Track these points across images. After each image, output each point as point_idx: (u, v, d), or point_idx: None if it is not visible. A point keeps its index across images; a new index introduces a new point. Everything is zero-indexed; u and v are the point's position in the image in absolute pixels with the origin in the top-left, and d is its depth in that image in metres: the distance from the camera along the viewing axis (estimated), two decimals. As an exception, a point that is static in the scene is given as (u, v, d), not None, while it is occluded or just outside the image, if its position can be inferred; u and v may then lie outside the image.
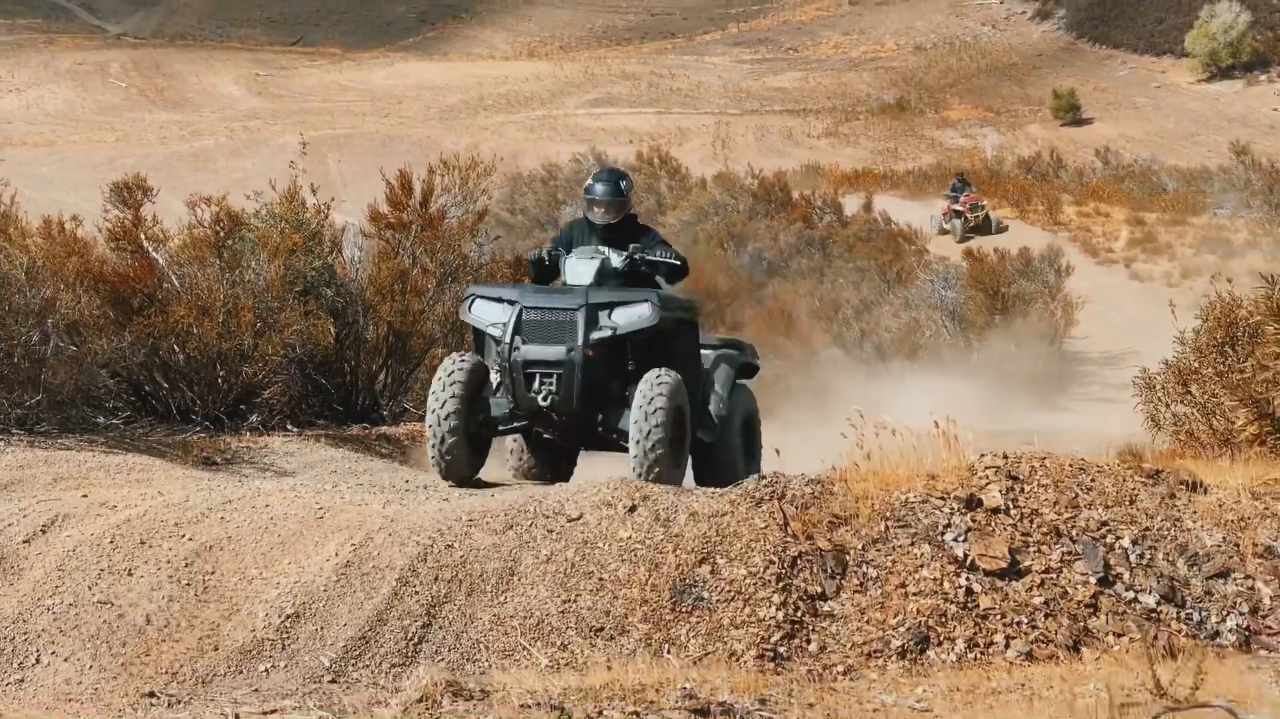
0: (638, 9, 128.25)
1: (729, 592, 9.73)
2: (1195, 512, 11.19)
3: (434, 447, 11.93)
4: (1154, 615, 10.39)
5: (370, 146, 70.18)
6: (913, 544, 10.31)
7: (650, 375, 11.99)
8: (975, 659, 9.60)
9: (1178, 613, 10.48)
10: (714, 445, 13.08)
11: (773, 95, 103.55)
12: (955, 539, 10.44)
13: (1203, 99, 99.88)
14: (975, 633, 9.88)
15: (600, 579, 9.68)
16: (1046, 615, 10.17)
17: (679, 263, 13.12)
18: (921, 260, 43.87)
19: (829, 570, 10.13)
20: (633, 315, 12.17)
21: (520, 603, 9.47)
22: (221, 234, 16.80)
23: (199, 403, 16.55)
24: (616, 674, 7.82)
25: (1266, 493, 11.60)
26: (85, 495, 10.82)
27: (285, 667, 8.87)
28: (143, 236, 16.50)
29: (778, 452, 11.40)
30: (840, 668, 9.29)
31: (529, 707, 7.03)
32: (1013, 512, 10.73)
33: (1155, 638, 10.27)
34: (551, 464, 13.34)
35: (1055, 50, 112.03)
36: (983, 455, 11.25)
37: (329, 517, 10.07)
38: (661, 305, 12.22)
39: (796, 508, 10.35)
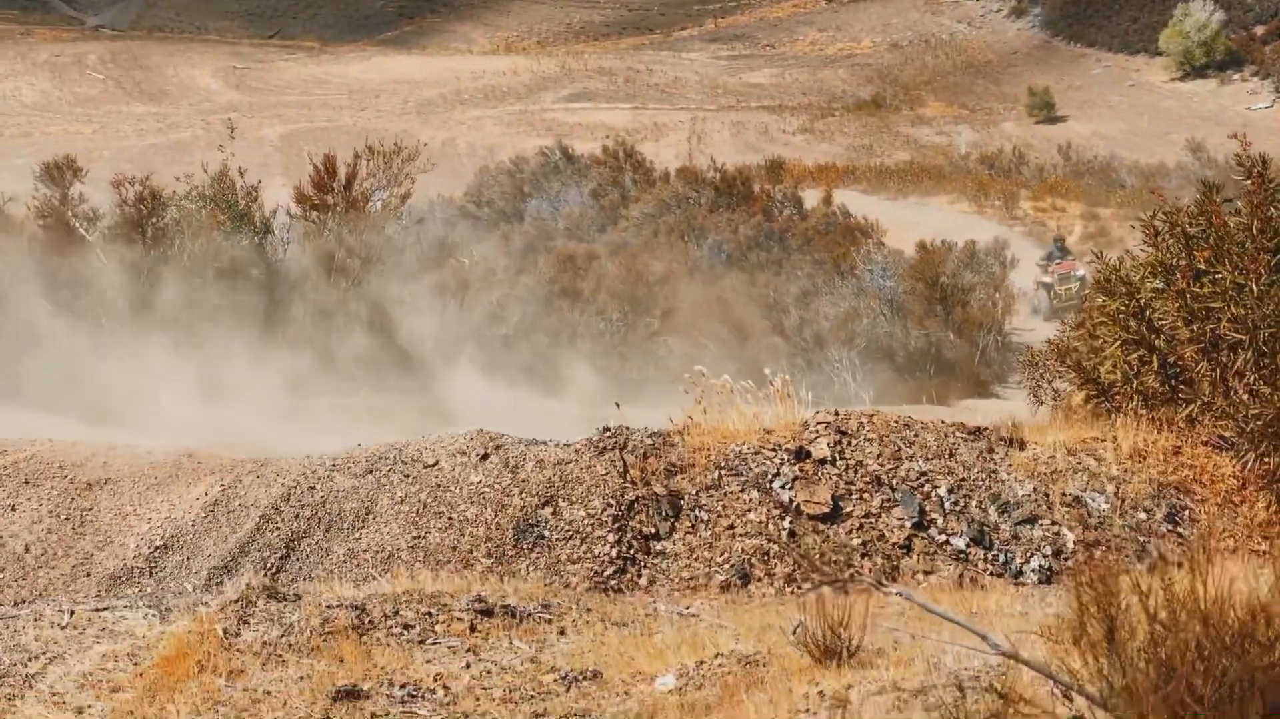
0: (615, 5, 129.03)
1: (568, 531, 10.73)
2: (1011, 465, 12.20)
3: None
4: (963, 555, 11.40)
5: (347, 140, 70.55)
6: (743, 490, 11.32)
7: None
8: (792, 593, 10.59)
9: (985, 554, 11.49)
10: None
11: (749, 91, 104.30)
12: (782, 486, 11.46)
13: (1176, 97, 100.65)
14: (794, 569, 10.88)
15: (450, 518, 10.67)
16: (863, 555, 11.18)
17: None
18: (865, 252, 44.79)
19: (663, 513, 11.14)
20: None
21: (374, 539, 10.46)
22: (145, 213, 17.70)
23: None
24: (419, 583, 8.81)
25: (1081, 449, 12.62)
26: (-19, 440, 11.79)
27: (152, 592, 9.84)
28: (70, 215, 17.39)
29: (618, 404, 12.38)
30: (667, 596, 10.28)
31: (333, 607, 8.03)
32: (839, 462, 11.72)
33: (962, 574, 11.31)
34: None
35: (1030, 48, 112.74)
36: (816, 412, 12.27)
37: (204, 461, 11.06)
38: None
39: (637, 457, 11.35)
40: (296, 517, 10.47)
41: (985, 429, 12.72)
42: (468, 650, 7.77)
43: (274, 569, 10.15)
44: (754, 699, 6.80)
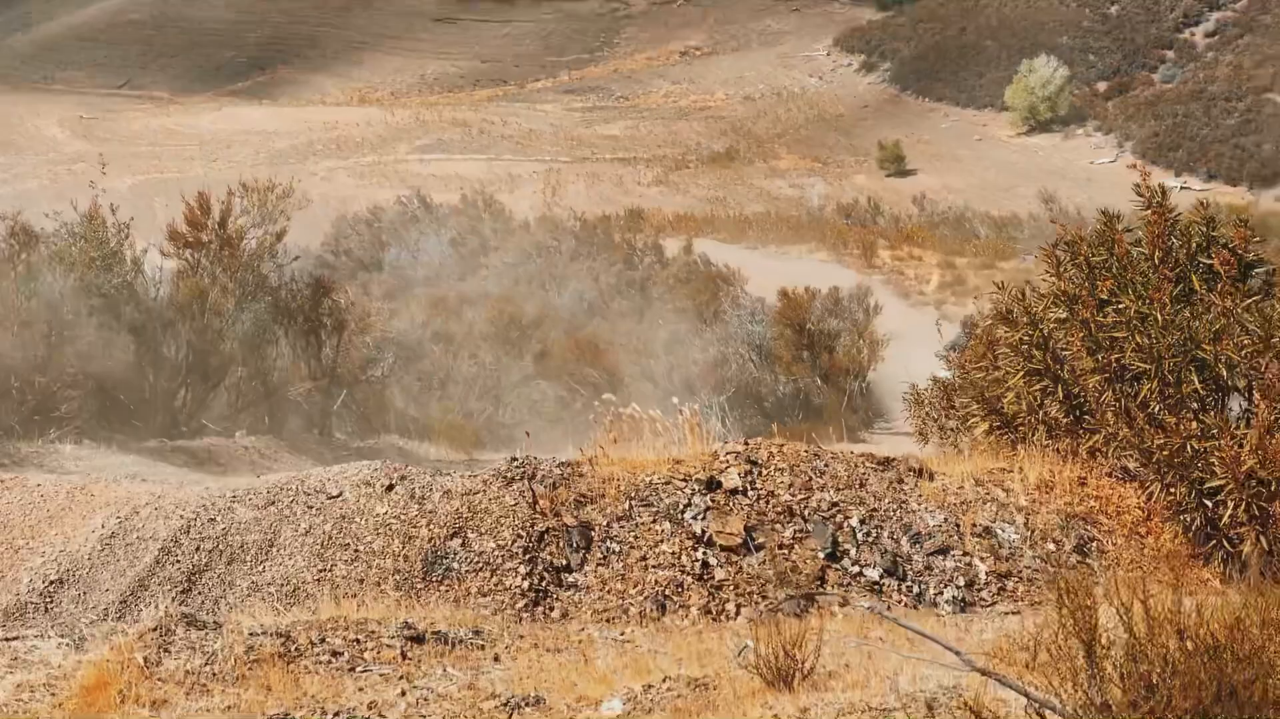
0: (469, 56, 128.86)
1: (478, 563, 10.40)
2: (921, 495, 12.07)
3: None
4: (877, 587, 11.22)
5: (195, 191, 69.81)
6: (655, 522, 11.07)
7: None
8: (709, 624, 10.35)
9: (899, 585, 11.33)
10: None
11: (604, 143, 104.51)
12: (694, 517, 11.22)
13: (1023, 151, 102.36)
14: (709, 601, 10.64)
15: (356, 550, 10.30)
16: (777, 587, 10.95)
17: None
18: (732, 299, 44.90)
19: (574, 544, 10.85)
20: None
21: (278, 572, 10.06)
22: (16, 248, 17.18)
23: (-8, 412, 16.90)
24: (343, 610, 8.46)
25: (988, 479, 12.54)
26: None
27: (64, 622, 9.37)
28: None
29: (528, 434, 12.08)
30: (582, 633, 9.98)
31: (257, 634, 7.65)
32: (750, 493, 11.51)
33: (873, 606, 11.13)
34: None
35: (880, 103, 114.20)
36: (726, 443, 12.07)
37: (97, 493, 10.60)
38: None
39: (546, 487, 11.07)
40: (197, 549, 10.06)
41: (894, 460, 12.60)
42: (400, 678, 7.43)
43: (176, 604, 9.71)
44: (707, 723, 6.55)
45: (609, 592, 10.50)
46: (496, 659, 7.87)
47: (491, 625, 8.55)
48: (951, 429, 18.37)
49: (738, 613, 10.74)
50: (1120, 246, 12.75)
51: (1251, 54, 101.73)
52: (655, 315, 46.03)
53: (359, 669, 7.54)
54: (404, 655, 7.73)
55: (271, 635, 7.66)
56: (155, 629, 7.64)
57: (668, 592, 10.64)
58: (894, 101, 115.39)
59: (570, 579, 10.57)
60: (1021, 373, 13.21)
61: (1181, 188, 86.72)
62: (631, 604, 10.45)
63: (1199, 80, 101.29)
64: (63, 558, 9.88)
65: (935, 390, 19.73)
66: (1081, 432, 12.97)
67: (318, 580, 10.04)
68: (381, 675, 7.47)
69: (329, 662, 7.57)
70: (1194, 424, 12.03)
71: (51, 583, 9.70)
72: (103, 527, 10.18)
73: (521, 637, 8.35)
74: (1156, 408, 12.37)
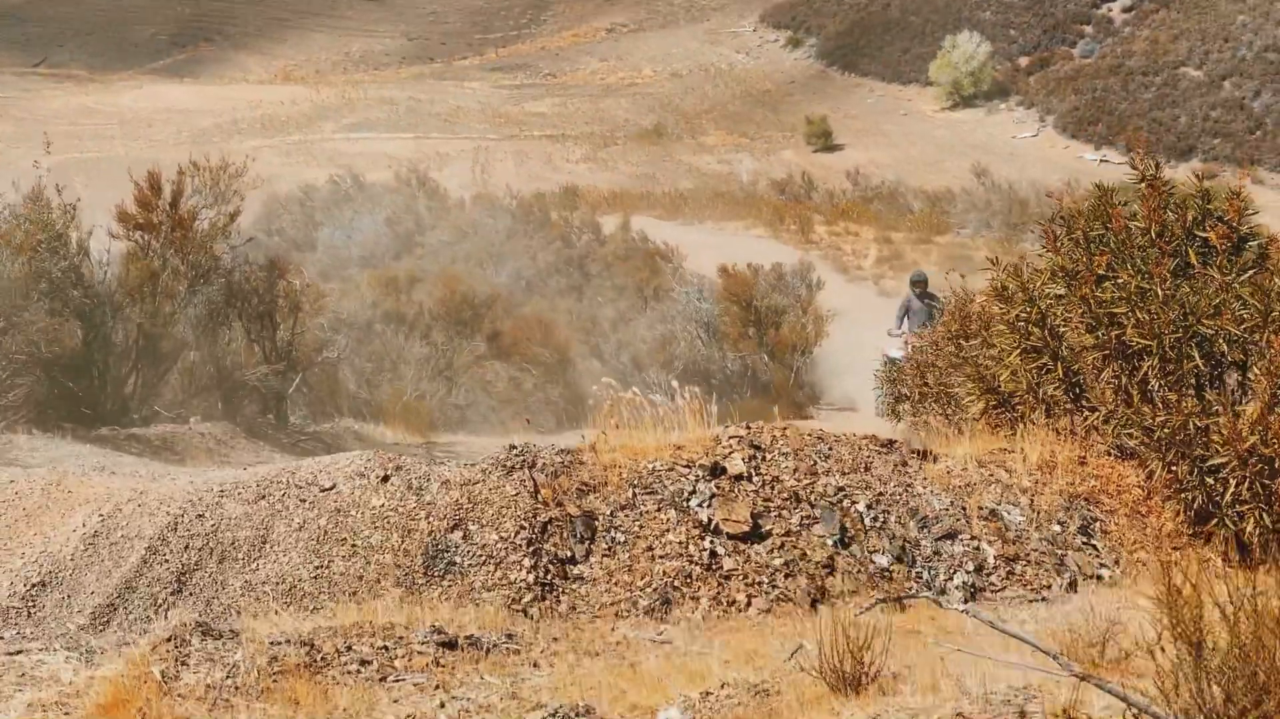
0: (394, 34, 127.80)
1: (481, 556, 9.98)
2: (926, 478, 11.75)
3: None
4: (886, 574, 10.88)
5: (119, 170, 68.59)
6: (659, 510, 10.68)
7: None
8: (719, 617, 9.97)
9: (909, 572, 10.99)
10: None
11: (531, 120, 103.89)
12: (700, 504, 10.84)
13: (947, 126, 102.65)
14: (719, 592, 10.26)
15: (353, 545, 9.86)
16: (786, 575, 10.59)
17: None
18: (677, 275, 44.61)
19: (578, 535, 10.45)
20: None
21: (273, 569, 9.61)
22: (-40, 233, 16.55)
23: (-65, 400, 16.29)
24: (367, 615, 8.02)
25: (990, 461, 12.23)
26: None
27: (32, 634, 8.88)
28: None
29: (529, 421, 11.67)
30: (584, 622, 9.57)
31: (279, 643, 7.21)
32: (755, 479, 11.15)
33: (886, 595, 10.79)
34: None
35: (807, 78, 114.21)
36: (727, 426, 11.69)
37: (75, 490, 10.09)
38: None
39: (547, 476, 10.66)
40: (186, 548, 9.56)
41: (896, 442, 12.27)
42: (436, 688, 7.00)
43: (165, 606, 9.23)
44: (772, 731, 6.17)
45: (616, 583, 10.10)
46: (535, 665, 7.45)
47: (524, 628, 8.14)
48: (921, 407, 18.10)
49: (749, 604, 10.38)
50: (1117, 221, 12.44)
51: (1167, 28, 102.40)
52: (595, 293, 45.68)
53: (391, 679, 7.10)
54: (437, 663, 7.30)
55: (294, 644, 7.21)
56: (170, 640, 7.18)
57: (676, 583, 10.26)
58: (820, 77, 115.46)
59: (576, 571, 10.17)
60: (1018, 350, 12.90)
61: (1101, 161, 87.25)
62: (640, 597, 10.06)
63: (1117, 55, 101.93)
64: (44, 559, 9.37)
65: (908, 367, 19.45)
66: (1080, 410, 12.69)
67: (315, 578, 9.59)
68: (416, 685, 7.03)
69: (358, 671, 7.13)
70: (1194, 401, 11.78)
71: (33, 586, 9.19)
72: (84, 525, 9.66)
73: (556, 639, 7.94)
74: (1157, 385, 12.11)
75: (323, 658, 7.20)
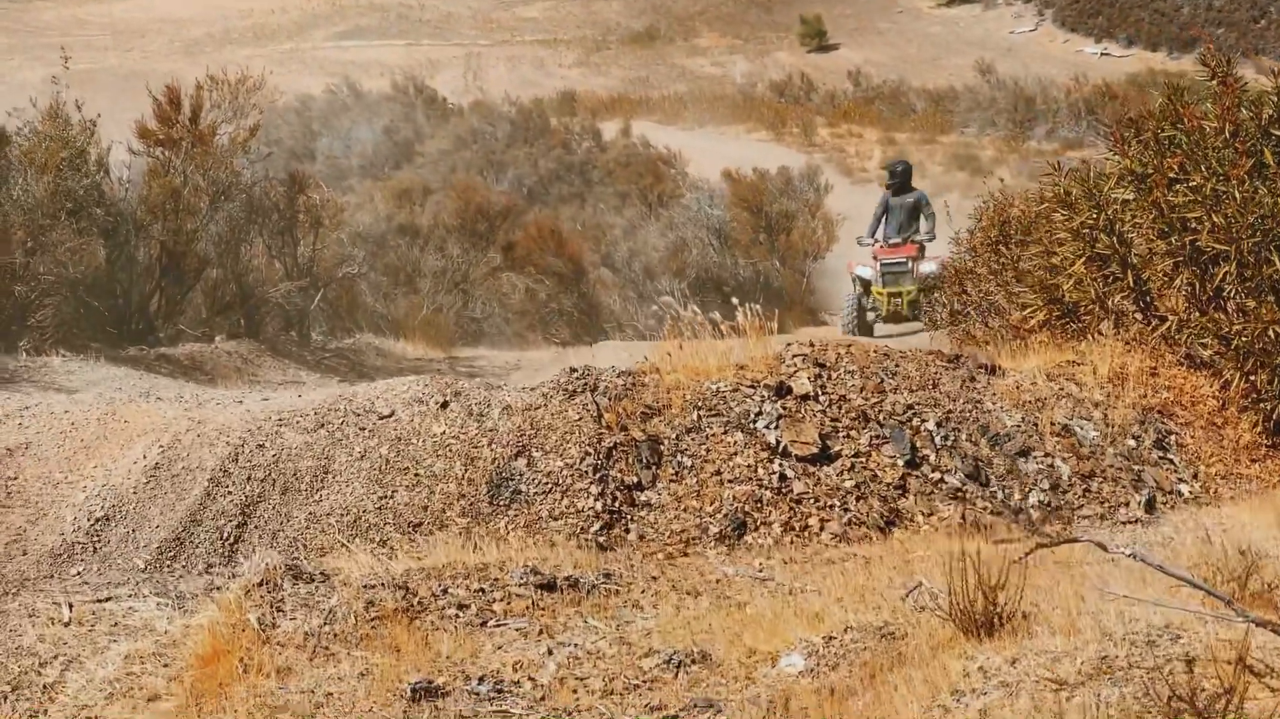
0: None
1: (546, 484, 9.62)
2: (995, 394, 11.38)
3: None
4: (960, 494, 10.53)
5: (113, 82, 67.99)
6: (725, 432, 10.31)
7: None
8: (791, 543, 9.62)
9: (983, 491, 10.64)
10: None
11: (523, 25, 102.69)
12: (767, 426, 10.47)
13: (943, 23, 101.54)
14: (790, 517, 9.91)
15: (416, 475, 9.50)
16: (858, 498, 10.24)
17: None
18: (686, 182, 44.16)
19: (645, 460, 10.08)
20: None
21: (336, 500, 9.26)
22: (-14, 151, 16.10)
23: (-35, 324, 15.90)
24: (457, 554, 7.66)
25: (1060, 374, 11.85)
26: None
27: (98, 569, 8.56)
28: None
29: (591, 345, 11.27)
30: (661, 555, 9.23)
31: (372, 587, 6.85)
32: (821, 398, 10.78)
33: (964, 515, 10.45)
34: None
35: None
36: (789, 345, 11.31)
37: (131, 420, 9.72)
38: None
39: (609, 399, 10.28)
40: (249, 479, 9.20)
41: (962, 357, 11.88)
42: (540, 633, 6.64)
43: (231, 539, 8.88)
44: (902, 680, 5.80)
45: (685, 510, 9.75)
46: (637, 606, 7.08)
47: (619, 567, 7.78)
48: (961, 315, 17.71)
49: (821, 528, 10.03)
50: (1190, 121, 11.98)
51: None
52: (597, 200, 45.19)
53: (491, 624, 6.74)
54: (536, 605, 6.94)
55: (389, 588, 6.85)
56: (262, 584, 6.82)
57: (746, 507, 9.90)
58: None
59: (643, 498, 9.81)
60: (1083, 258, 12.48)
61: (1102, 54, 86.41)
62: (710, 524, 9.71)
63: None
64: (106, 493, 9.00)
65: (946, 275, 19.00)
66: (1150, 319, 12.31)
67: (379, 509, 9.22)
68: (518, 630, 6.67)
69: (456, 616, 6.77)
70: (1273, 308, 11.41)
71: (97, 520, 8.83)
72: (145, 457, 9.29)
73: (654, 578, 7.57)
74: (1232, 291, 11.72)
75: (419, 602, 6.84)
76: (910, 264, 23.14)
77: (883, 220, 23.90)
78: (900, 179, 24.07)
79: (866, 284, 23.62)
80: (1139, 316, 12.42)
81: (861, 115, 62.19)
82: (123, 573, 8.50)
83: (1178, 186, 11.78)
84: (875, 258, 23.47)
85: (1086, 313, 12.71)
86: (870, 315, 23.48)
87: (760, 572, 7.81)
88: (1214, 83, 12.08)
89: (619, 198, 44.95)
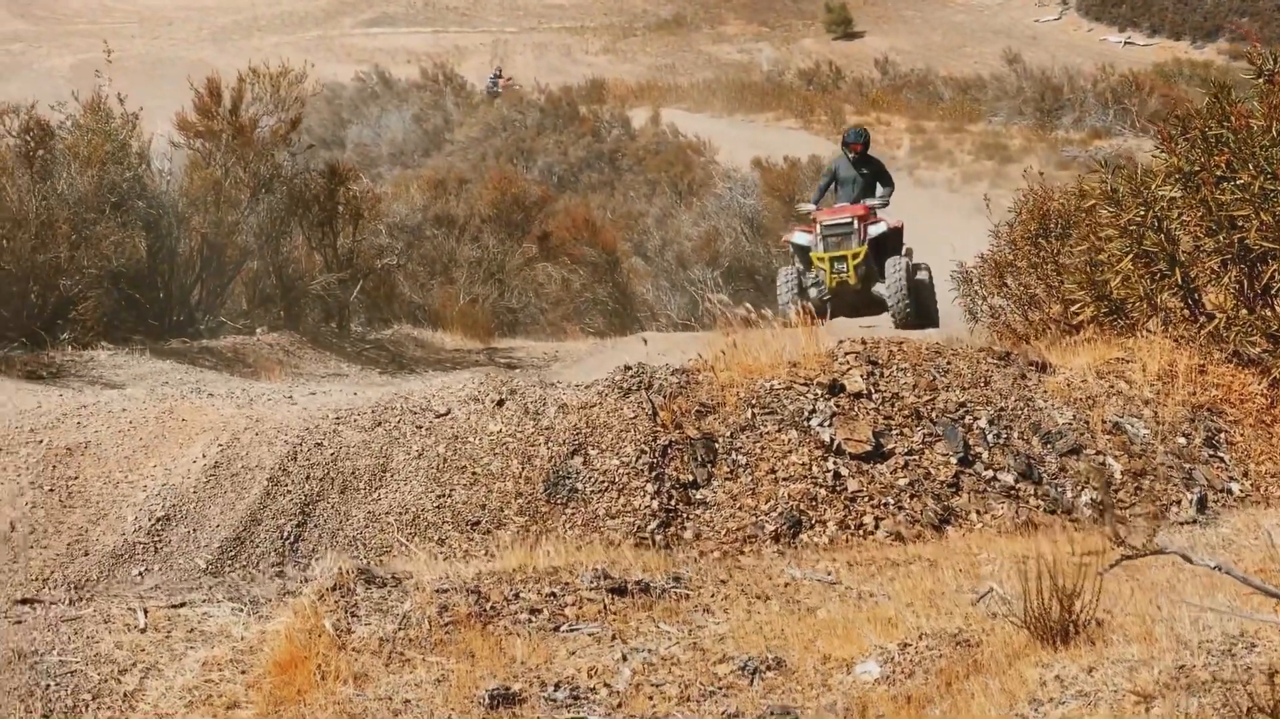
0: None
1: (603, 482, 9.65)
2: (1046, 391, 11.38)
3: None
4: (1013, 492, 10.53)
5: (141, 69, 68.12)
6: (780, 430, 10.33)
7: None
8: (847, 541, 9.64)
9: (1035, 489, 10.64)
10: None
11: (549, 12, 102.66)
12: (821, 424, 10.48)
13: (967, 11, 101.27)
14: (845, 515, 9.93)
15: (473, 473, 9.54)
16: (912, 496, 10.26)
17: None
18: (712, 170, 44.13)
19: (699, 459, 10.10)
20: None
21: (394, 499, 9.30)
22: (32, 144, 16.15)
23: (12, 318, 15.93)
24: (527, 558, 7.69)
25: (1109, 372, 11.84)
26: (-68, 404, 10.36)
27: (160, 569, 8.61)
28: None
29: (645, 340, 11.33)
30: (717, 554, 9.26)
31: (444, 591, 6.88)
32: (874, 396, 10.80)
33: (1017, 513, 10.45)
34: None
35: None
36: (842, 342, 11.32)
37: (189, 418, 9.76)
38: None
39: (664, 397, 10.30)
40: (307, 478, 9.24)
41: (1013, 354, 11.88)
42: (613, 638, 6.67)
43: (291, 538, 8.93)
44: (980, 688, 5.81)
45: (740, 508, 9.77)
46: (708, 611, 7.10)
47: (688, 570, 7.80)
48: (1001, 309, 17.67)
49: (876, 526, 10.05)
50: (1238, 119, 11.95)
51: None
52: (627, 188, 45.16)
53: (564, 628, 6.78)
54: (608, 609, 6.96)
55: (461, 592, 6.87)
56: (335, 589, 6.85)
57: (801, 506, 9.92)
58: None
59: (698, 496, 9.83)
60: (1130, 256, 12.46)
61: (1126, 43, 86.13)
62: (766, 522, 9.73)
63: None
64: (166, 492, 9.05)
65: (986, 269, 18.96)
66: (1198, 317, 12.30)
67: (437, 507, 9.26)
68: (591, 635, 6.70)
69: (529, 620, 6.80)
70: (1323, 306, 11.40)
71: (158, 520, 8.88)
72: (204, 456, 9.34)
73: (723, 582, 7.59)
74: (1280, 288, 11.70)
75: (492, 607, 6.87)
76: (856, 224, 19.85)
77: (832, 187, 20.80)
78: (862, 148, 20.87)
79: (807, 255, 20.02)
80: (1187, 314, 12.39)
81: (889, 103, 61.98)
82: (184, 573, 8.56)
83: (1225, 184, 11.76)
84: (815, 220, 20.07)
85: (1134, 310, 12.69)
86: (813, 291, 19.76)
87: (828, 575, 7.83)
88: (1260, 80, 12.05)
89: (649, 186, 44.89)
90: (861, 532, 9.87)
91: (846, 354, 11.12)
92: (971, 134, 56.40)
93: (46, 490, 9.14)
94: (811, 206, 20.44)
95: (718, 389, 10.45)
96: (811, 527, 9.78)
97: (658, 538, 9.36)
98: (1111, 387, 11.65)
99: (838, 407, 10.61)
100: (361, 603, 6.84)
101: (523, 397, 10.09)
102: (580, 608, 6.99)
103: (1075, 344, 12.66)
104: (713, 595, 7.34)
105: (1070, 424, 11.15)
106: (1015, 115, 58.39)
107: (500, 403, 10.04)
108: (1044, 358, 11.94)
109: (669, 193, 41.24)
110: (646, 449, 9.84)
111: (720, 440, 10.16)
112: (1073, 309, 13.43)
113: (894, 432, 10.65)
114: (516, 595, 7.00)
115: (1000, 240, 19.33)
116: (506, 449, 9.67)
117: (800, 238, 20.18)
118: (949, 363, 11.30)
